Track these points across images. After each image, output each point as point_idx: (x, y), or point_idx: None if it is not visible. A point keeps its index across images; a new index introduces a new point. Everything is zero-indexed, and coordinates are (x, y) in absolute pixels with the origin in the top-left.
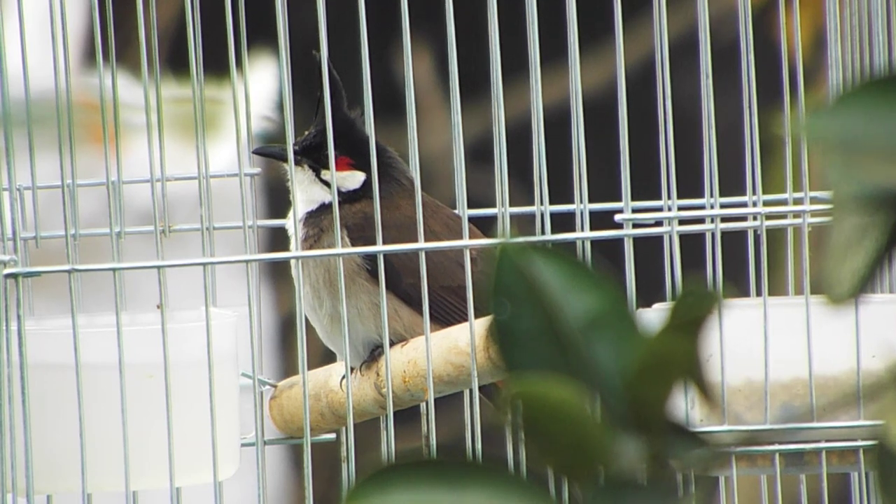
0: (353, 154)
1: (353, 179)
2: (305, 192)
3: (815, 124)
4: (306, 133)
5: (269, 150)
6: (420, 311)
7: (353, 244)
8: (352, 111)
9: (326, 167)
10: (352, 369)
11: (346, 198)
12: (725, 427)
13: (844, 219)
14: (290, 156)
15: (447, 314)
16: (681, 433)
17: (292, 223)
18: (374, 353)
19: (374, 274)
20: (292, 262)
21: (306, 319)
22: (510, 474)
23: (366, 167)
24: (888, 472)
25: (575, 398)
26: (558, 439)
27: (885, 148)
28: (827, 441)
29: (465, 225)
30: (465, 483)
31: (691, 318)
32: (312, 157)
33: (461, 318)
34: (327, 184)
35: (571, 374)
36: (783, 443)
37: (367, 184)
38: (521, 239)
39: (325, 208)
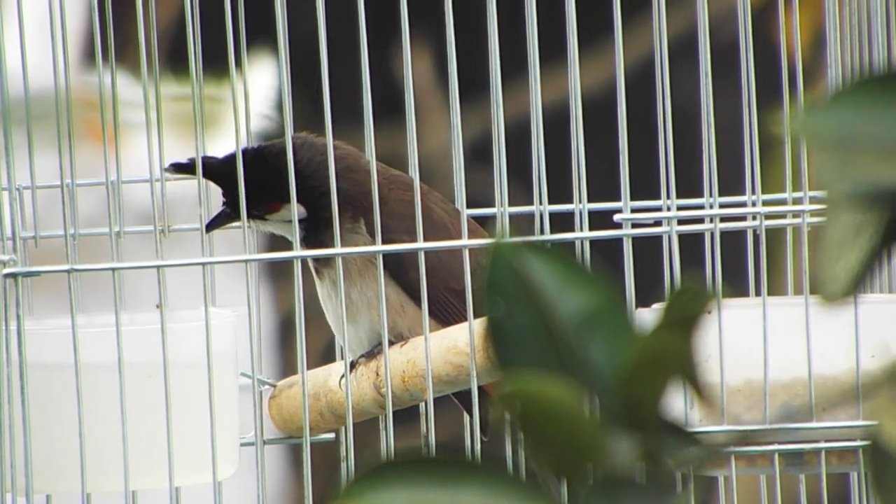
0: (273, 191)
1: (296, 210)
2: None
3: (810, 122)
4: (222, 206)
5: (213, 222)
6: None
7: (371, 232)
8: (230, 161)
9: (265, 216)
10: (352, 366)
11: (309, 227)
12: (724, 427)
13: (839, 217)
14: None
15: (450, 315)
16: (675, 431)
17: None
18: (373, 350)
19: (385, 266)
20: (295, 261)
21: (306, 318)
22: (507, 473)
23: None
24: (883, 471)
25: (569, 396)
26: (552, 437)
27: (881, 145)
28: (826, 441)
29: (465, 225)
30: (461, 481)
31: (685, 316)
32: (251, 214)
33: (463, 320)
34: (280, 221)
35: (566, 372)
36: (782, 443)
37: (310, 207)
38: (517, 238)
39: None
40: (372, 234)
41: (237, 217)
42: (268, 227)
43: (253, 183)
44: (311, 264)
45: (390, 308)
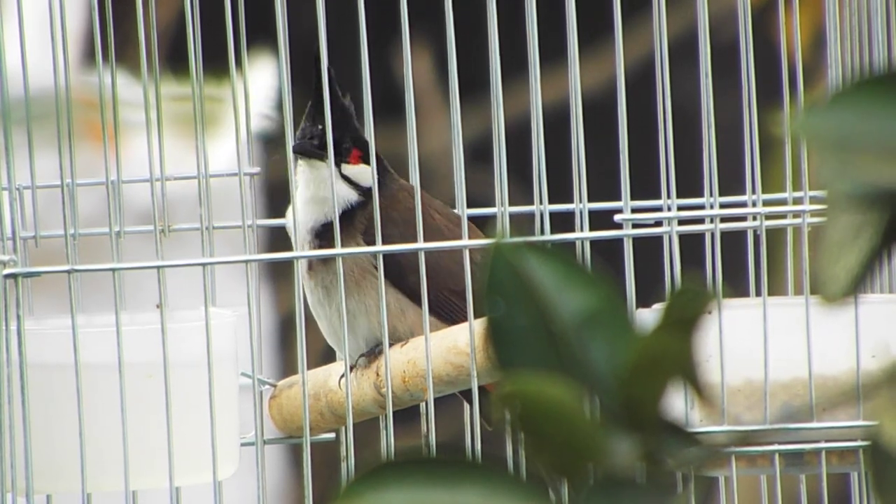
0: (359, 145)
1: (366, 175)
2: (327, 190)
3: (810, 122)
4: (308, 126)
5: (307, 148)
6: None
7: (369, 245)
8: (345, 97)
9: (346, 161)
10: (352, 368)
11: (363, 195)
12: (724, 427)
13: (839, 217)
14: (289, 148)
15: (452, 314)
16: (675, 432)
17: (294, 224)
18: (374, 351)
19: (384, 273)
20: (295, 261)
21: (306, 318)
22: (506, 473)
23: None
24: (883, 471)
25: (569, 396)
26: (552, 437)
27: (880, 146)
28: (827, 441)
29: (465, 225)
30: (461, 481)
31: (685, 316)
32: (337, 152)
33: (465, 319)
34: (348, 179)
35: (566, 372)
36: (783, 443)
37: (378, 181)
38: (517, 238)
39: (345, 214)
40: (369, 244)
41: (322, 155)
42: (334, 178)
43: (352, 127)
44: (304, 271)
45: (390, 314)
